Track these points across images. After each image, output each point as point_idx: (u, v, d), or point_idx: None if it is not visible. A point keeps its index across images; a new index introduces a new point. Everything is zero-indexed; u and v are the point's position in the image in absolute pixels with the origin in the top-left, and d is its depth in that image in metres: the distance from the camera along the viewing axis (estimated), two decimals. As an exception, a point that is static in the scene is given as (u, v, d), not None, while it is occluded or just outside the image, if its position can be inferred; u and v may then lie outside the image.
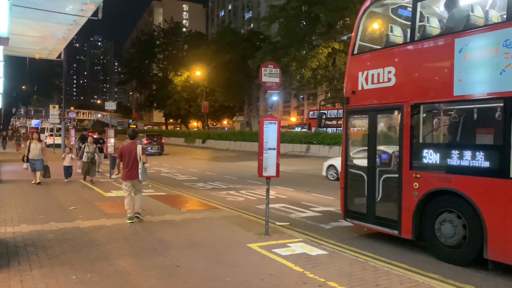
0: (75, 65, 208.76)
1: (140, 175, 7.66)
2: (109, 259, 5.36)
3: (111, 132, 15.12)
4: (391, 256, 6.04)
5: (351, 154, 7.54)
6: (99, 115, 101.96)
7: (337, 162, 16.02)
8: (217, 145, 41.84)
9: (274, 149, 6.64)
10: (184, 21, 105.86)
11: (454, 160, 5.64)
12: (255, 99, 70.67)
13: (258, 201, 10.71)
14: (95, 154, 13.40)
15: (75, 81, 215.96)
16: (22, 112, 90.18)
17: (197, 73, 54.75)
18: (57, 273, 4.82)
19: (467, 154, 5.49)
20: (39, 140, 12.84)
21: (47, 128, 35.81)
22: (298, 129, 47.43)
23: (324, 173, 15.85)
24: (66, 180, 13.26)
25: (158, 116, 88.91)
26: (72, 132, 25.85)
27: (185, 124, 75.04)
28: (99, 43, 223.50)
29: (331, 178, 15.15)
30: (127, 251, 5.77)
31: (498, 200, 5.12)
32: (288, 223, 8.02)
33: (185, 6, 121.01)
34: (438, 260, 5.85)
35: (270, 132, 6.62)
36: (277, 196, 11.30)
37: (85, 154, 13.07)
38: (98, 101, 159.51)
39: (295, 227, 7.68)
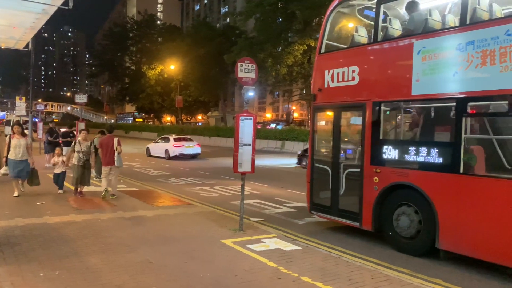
0: (43, 55, 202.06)
1: (116, 162, 9.44)
2: (79, 256, 5.23)
3: (81, 125, 14.70)
4: (363, 251, 6.17)
5: (317, 149, 7.80)
6: (68, 108, 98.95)
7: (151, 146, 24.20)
8: (191, 140, 41.52)
9: (249, 145, 6.66)
10: (158, 14, 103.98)
11: (411, 156, 5.97)
12: (231, 95, 70.44)
13: (232, 196, 10.69)
14: (90, 155, 9.60)
15: (43, 73, 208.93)
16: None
17: (171, 67, 53.91)
18: (24, 270, 4.66)
19: (423, 150, 5.81)
20: (23, 134, 9.30)
21: (13, 120, 34.47)
22: (273, 126, 47.53)
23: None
24: (60, 191, 9.85)
25: (130, 109, 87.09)
26: (40, 125, 24.92)
27: (159, 118, 73.91)
28: (69, 34, 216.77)
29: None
30: (98, 247, 5.64)
31: (449, 193, 5.48)
32: (262, 219, 8.05)
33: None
34: (395, 251, 6.14)
35: (246, 128, 6.65)
36: (252, 192, 11.31)
37: (75, 154, 9.40)
38: (68, 94, 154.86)
39: (269, 223, 7.71)
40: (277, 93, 58.86)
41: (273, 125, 48.29)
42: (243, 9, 42.40)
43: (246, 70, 7.06)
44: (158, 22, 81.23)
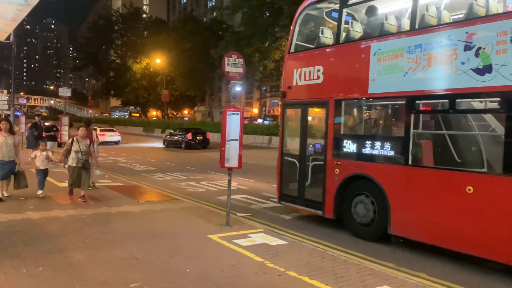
0: (25, 48, 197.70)
1: (95, 153, 9.74)
2: (62, 252, 5.14)
3: (65, 119, 14.47)
4: (349, 245, 6.24)
5: (286, 143, 8.27)
6: (52, 102, 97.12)
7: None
8: (178, 135, 41.18)
9: (236, 140, 6.70)
10: (144, 7, 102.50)
11: (367, 149, 6.46)
12: (217, 89, 70.10)
13: (219, 192, 10.67)
14: (89, 154, 8.50)
15: (25, 65, 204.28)
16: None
17: (157, 60, 53.35)
18: (6, 266, 4.56)
19: (377, 144, 6.32)
20: (12, 132, 8.27)
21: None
22: (260, 121, 47.48)
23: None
24: (40, 192, 8.61)
25: (115, 103, 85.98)
26: (22, 119, 24.38)
27: (144, 113, 73.22)
28: (53, 26, 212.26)
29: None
30: (82, 243, 5.56)
31: (399, 183, 6.02)
32: (249, 214, 8.06)
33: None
34: (353, 236, 6.68)
35: (233, 123, 6.69)
36: (238, 187, 11.31)
37: (73, 154, 8.27)
38: (51, 87, 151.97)
39: (256, 218, 7.73)
40: (264, 88, 58.92)
41: (260, 121, 48.32)
42: (230, 3, 42.14)
43: (233, 64, 7.08)
44: (144, 15, 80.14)
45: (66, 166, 8.74)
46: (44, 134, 15.18)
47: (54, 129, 15.42)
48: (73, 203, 8.17)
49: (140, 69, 61.08)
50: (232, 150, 6.65)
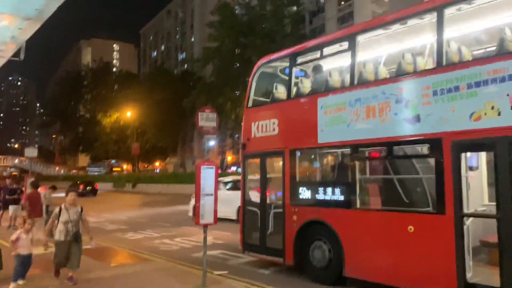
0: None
1: (44, 214, 10.13)
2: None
3: (31, 180, 13.45)
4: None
5: (247, 192, 8.58)
6: (16, 161, 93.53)
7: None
8: (149, 188, 40.00)
9: (211, 195, 6.68)
10: (114, 61, 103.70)
11: (320, 195, 6.90)
12: (189, 139, 69.59)
13: (194, 248, 10.20)
14: (79, 224, 6.96)
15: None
16: None
17: (128, 114, 52.91)
18: None
19: (329, 190, 6.76)
20: None
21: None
22: (234, 169, 46.96)
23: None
24: (20, 282, 6.51)
25: (84, 159, 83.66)
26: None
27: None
28: (19, 83, 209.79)
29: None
30: None
31: (349, 226, 6.40)
32: (226, 271, 7.78)
33: (115, 46, 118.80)
34: (311, 281, 6.89)
35: (208, 178, 6.66)
36: (214, 242, 11.06)
37: (60, 226, 6.73)
38: (16, 145, 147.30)
39: (233, 275, 7.48)
40: (237, 135, 59.05)
41: (233, 168, 47.78)
42: (200, 55, 42.95)
43: (206, 119, 7.44)
44: (114, 69, 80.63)
45: (49, 244, 7.19)
46: (8, 197, 13.95)
47: (19, 191, 14.25)
48: (38, 272, 7.19)
49: (110, 123, 60.39)
50: (207, 205, 6.58)
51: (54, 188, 12.76)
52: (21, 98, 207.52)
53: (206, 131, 7.34)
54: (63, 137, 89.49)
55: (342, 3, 49.10)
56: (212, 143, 8.30)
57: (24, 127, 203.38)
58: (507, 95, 4.79)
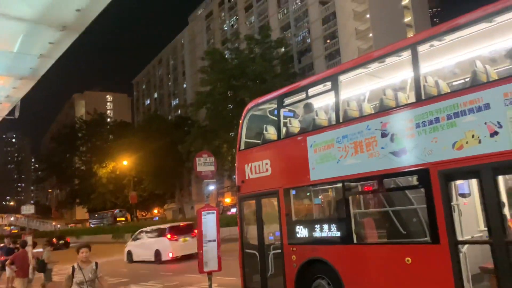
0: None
1: (30, 275, 9.87)
2: None
3: (28, 239, 13.32)
4: None
5: (245, 235, 8.47)
6: (12, 219, 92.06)
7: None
8: (149, 237, 39.15)
9: (214, 240, 6.86)
10: (108, 112, 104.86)
11: (317, 232, 6.87)
12: (187, 183, 69.45)
13: (199, 298, 9.75)
14: (95, 283, 6.07)
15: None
16: None
17: (124, 162, 52.91)
18: None
19: (325, 227, 6.75)
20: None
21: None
22: (234, 211, 46.48)
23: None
24: None
25: (81, 212, 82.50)
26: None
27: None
28: (13, 140, 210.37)
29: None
30: None
31: (348, 262, 6.37)
32: None
33: (108, 97, 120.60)
34: None
35: (209, 223, 6.79)
36: None
37: (75, 287, 5.88)
38: (12, 203, 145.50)
39: None
40: (234, 176, 58.77)
41: (233, 210, 47.27)
42: (193, 100, 43.67)
43: (204, 163, 7.40)
44: (108, 119, 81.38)
45: None
46: (3, 257, 13.77)
47: (16, 251, 14.04)
48: None
49: (106, 174, 60.14)
50: (210, 252, 6.41)
51: (52, 245, 12.64)
52: (16, 154, 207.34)
53: (205, 176, 7.45)
54: (59, 191, 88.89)
55: (328, 41, 50.74)
56: (212, 187, 8.41)
57: (19, 184, 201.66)
58: (485, 123, 5.01)
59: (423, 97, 5.76)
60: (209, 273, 6.45)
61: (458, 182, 6.03)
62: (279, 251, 7.53)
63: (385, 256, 6.03)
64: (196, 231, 19.87)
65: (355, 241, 6.37)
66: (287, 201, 7.50)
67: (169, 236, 18.49)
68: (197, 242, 6.52)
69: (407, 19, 52.16)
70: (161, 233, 19.37)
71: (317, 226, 6.99)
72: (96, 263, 6.14)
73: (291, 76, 40.02)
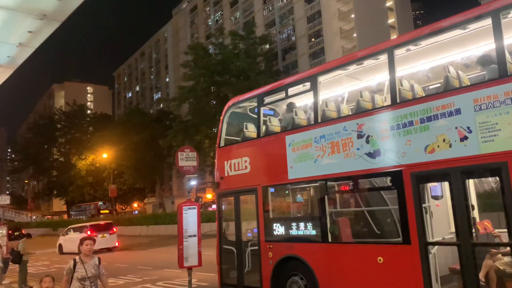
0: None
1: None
2: None
3: (3, 229, 13.12)
4: None
5: (223, 231, 8.53)
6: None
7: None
8: (128, 231, 38.91)
9: (195, 236, 6.86)
10: (88, 103, 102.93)
11: (293, 230, 6.99)
12: (168, 178, 69.02)
13: (178, 293, 9.80)
14: (100, 280, 5.46)
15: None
16: None
17: (104, 155, 52.17)
18: None
19: (301, 225, 6.87)
20: None
21: None
22: (215, 206, 46.25)
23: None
24: None
25: (58, 204, 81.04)
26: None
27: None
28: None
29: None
30: None
31: (323, 260, 6.49)
32: None
33: (89, 88, 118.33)
34: None
35: (190, 218, 6.81)
36: (199, 284, 10.67)
37: (76, 283, 5.22)
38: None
39: None
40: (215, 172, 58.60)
41: (214, 206, 47.07)
42: (176, 95, 43.31)
43: (186, 158, 7.37)
44: (89, 111, 79.96)
45: None
46: None
47: None
48: None
49: (85, 166, 59.22)
50: (191, 247, 6.41)
51: (29, 237, 12.48)
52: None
53: (187, 171, 7.37)
54: (36, 182, 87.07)
55: (313, 39, 51.03)
56: (193, 182, 8.46)
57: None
58: (456, 128, 5.16)
59: (398, 100, 5.88)
60: (189, 268, 6.49)
61: (431, 184, 6.17)
62: (256, 247, 7.62)
63: (358, 255, 6.16)
64: (115, 229, 24.12)
65: (330, 239, 6.49)
66: (265, 199, 7.58)
67: (88, 232, 21.73)
68: (178, 237, 6.55)
69: (391, 20, 52.93)
70: (83, 229, 23.04)
71: (294, 224, 7.09)
72: (99, 258, 5.51)
73: (275, 73, 40.17)
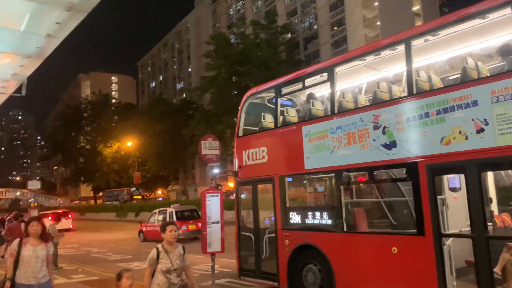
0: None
1: None
2: None
3: (34, 212, 13.80)
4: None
5: (241, 218, 8.74)
6: (18, 193, 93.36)
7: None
8: (152, 216, 39.79)
9: (218, 222, 6.99)
10: (113, 93, 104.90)
11: (309, 219, 7.09)
12: (190, 167, 70.01)
13: (201, 277, 10.14)
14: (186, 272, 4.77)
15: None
16: None
17: (128, 143, 53.36)
18: None
19: (317, 214, 6.96)
20: (44, 238, 5.33)
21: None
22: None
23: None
24: None
25: (86, 190, 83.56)
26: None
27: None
28: (19, 117, 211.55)
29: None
30: None
31: (338, 249, 6.57)
32: None
33: (114, 78, 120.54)
34: None
35: (213, 205, 6.98)
36: (221, 270, 10.87)
37: (160, 278, 4.56)
38: (18, 178, 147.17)
39: None
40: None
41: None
42: (198, 85, 43.66)
43: (209, 147, 7.46)
44: (113, 101, 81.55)
45: None
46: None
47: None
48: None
49: (111, 153, 60.73)
50: (214, 233, 6.61)
51: (58, 220, 13.14)
52: (22, 132, 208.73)
53: (210, 159, 7.57)
54: (64, 169, 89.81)
55: (335, 28, 50.30)
56: (216, 170, 8.70)
57: (25, 160, 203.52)
58: (472, 120, 5.11)
59: (414, 92, 5.84)
60: (212, 254, 6.71)
61: (449, 176, 6.14)
62: (273, 235, 7.76)
63: (373, 245, 6.22)
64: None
65: (345, 229, 6.56)
66: (282, 188, 7.67)
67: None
68: (201, 224, 6.77)
69: (416, 7, 51.44)
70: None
71: (310, 213, 7.20)
72: (183, 247, 4.83)
73: (296, 63, 39.86)
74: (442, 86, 6.10)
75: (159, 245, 4.68)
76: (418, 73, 6.00)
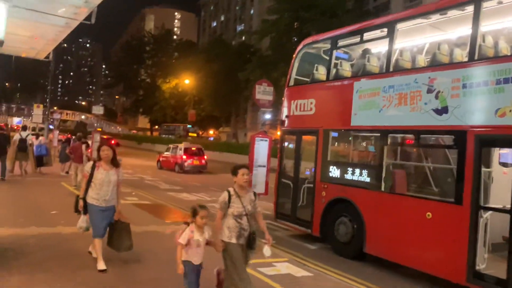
0: (61, 65, 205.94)
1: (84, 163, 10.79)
2: (91, 269, 5.30)
3: (97, 136, 14.99)
4: (376, 281, 6.15)
5: (283, 166, 8.97)
6: (83, 117, 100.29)
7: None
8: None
9: (264, 166, 7.31)
10: (175, 29, 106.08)
11: (348, 175, 7.21)
12: (243, 111, 70.87)
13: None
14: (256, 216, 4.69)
15: (60, 81, 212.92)
16: (3, 108, 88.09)
17: (186, 81, 54.67)
18: (37, 280, 4.83)
19: (357, 171, 7.04)
20: (115, 163, 5.55)
21: (29, 127, 34.90)
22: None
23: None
24: None
25: (143, 121, 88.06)
26: (56, 133, 25.37)
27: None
28: (87, 45, 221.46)
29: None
30: (111, 262, 5.48)
31: (373, 207, 6.68)
32: (273, 241, 7.97)
33: (177, 14, 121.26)
34: (334, 253, 7.37)
35: (261, 149, 7.26)
36: (263, 212, 11.24)
37: (230, 221, 4.40)
38: (83, 103, 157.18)
39: (280, 246, 7.53)
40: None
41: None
42: (258, 28, 42.92)
43: (264, 92, 7.55)
44: (175, 37, 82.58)
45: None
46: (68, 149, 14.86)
47: (86, 145, 15.63)
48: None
49: (169, 89, 62.67)
50: (259, 176, 6.96)
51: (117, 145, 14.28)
52: (89, 59, 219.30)
53: (263, 104, 7.72)
54: (125, 99, 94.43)
55: (411, -23, 46.32)
56: (268, 116, 8.88)
57: (90, 87, 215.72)
58: None
59: (475, 57, 5.53)
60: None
61: (501, 151, 5.92)
62: (311, 185, 7.99)
63: (408, 207, 6.27)
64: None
65: (383, 188, 6.64)
66: (326, 141, 7.75)
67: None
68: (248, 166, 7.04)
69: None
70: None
71: (350, 169, 7.31)
72: (255, 193, 4.67)
73: (364, 14, 37.67)
74: (508, 54, 5.71)
75: (231, 189, 4.47)
76: (484, 38, 5.64)
